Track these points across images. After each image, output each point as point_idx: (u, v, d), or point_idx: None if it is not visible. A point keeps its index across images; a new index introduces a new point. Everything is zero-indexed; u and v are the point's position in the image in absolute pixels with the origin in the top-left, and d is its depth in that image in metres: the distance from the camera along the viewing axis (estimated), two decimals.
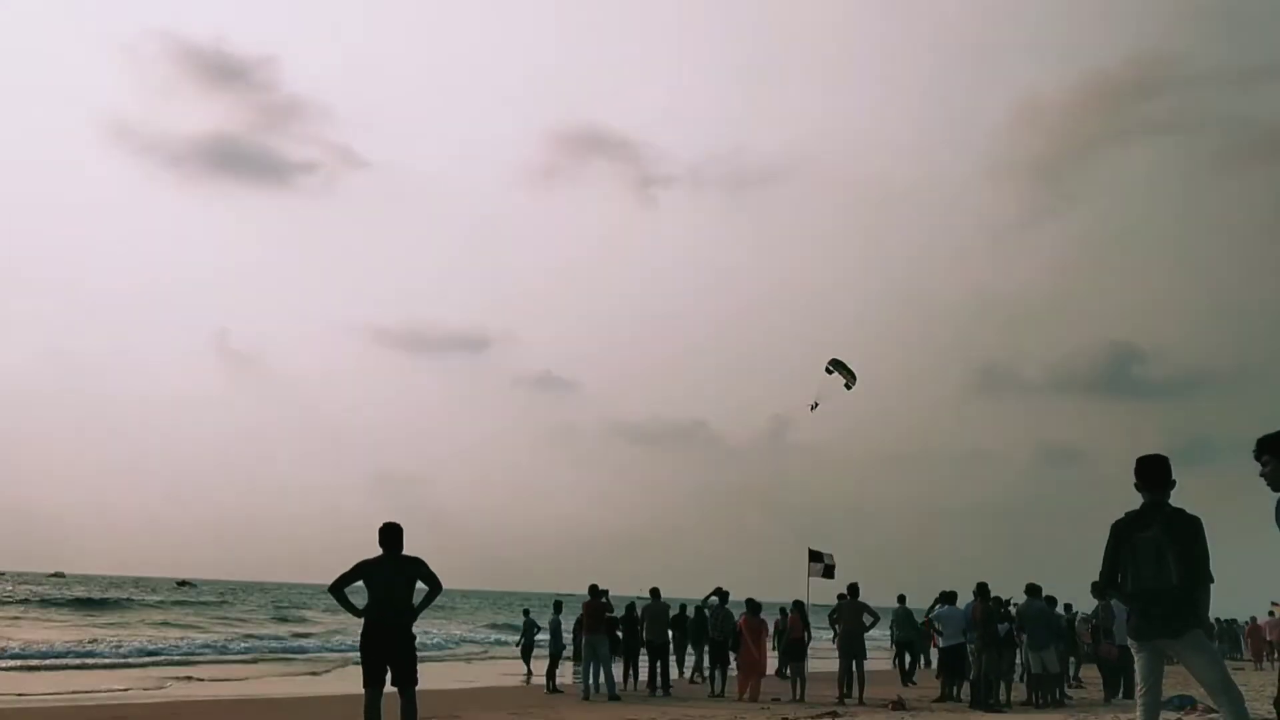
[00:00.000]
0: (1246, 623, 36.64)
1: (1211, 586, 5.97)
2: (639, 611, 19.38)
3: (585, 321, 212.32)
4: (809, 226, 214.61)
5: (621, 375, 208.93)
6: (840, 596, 18.65)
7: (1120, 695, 16.77)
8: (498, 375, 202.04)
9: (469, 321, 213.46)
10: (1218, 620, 37.41)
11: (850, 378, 22.44)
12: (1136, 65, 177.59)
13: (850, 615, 17.45)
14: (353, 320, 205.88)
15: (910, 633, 23.71)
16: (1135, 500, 6.17)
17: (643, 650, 19.34)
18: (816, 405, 23.19)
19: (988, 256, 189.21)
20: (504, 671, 27.35)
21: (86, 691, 19.14)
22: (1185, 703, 12.76)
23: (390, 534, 8.54)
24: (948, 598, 17.39)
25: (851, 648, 17.10)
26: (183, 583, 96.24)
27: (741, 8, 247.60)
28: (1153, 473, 6.12)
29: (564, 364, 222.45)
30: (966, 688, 16.69)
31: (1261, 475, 5.46)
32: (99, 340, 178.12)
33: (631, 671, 19.52)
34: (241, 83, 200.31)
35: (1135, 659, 6.18)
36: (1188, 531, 5.91)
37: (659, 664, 18.75)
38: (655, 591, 19.19)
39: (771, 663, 20.44)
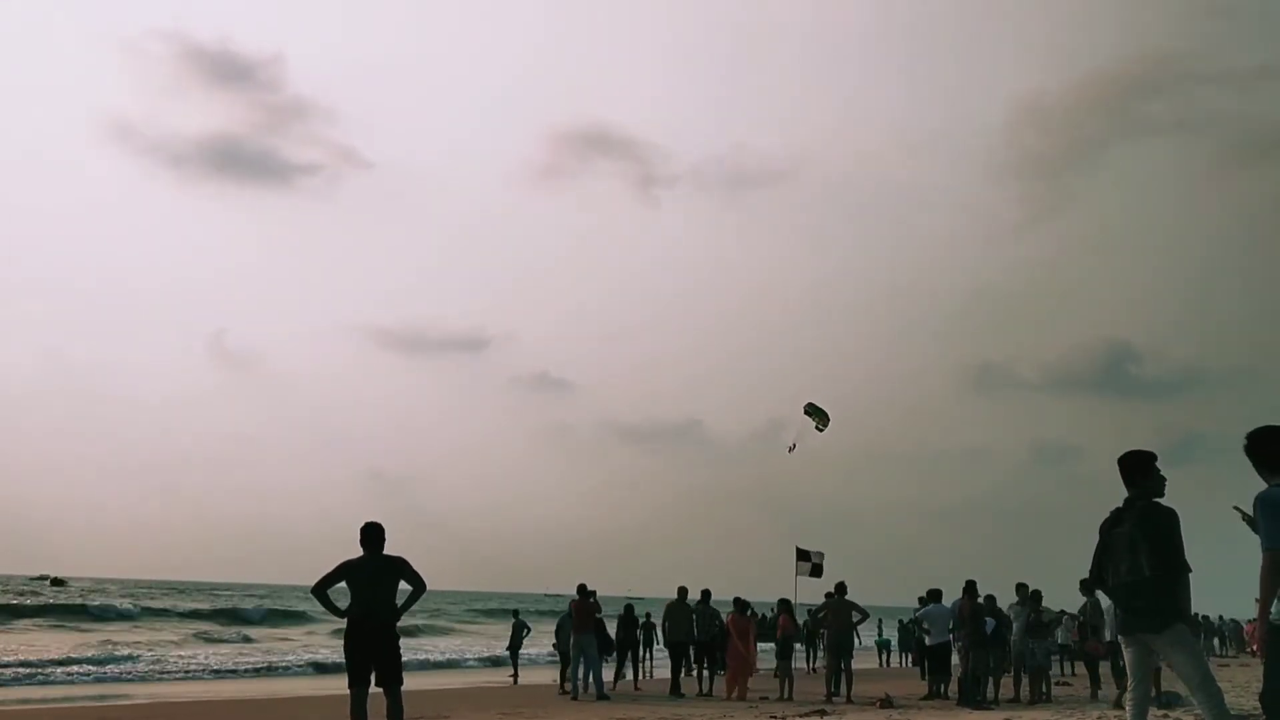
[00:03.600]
0: (1249, 621, 36.76)
1: (1191, 577, 5.95)
2: (634, 611, 19.29)
3: (583, 321, 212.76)
4: (808, 226, 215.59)
5: (618, 376, 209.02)
6: (828, 595, 18.65)
7: (1105, 691, 16.80)
8: (495, 376, 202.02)
9: (468, 322, 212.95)
10: (1205, 617, 37.57)
11: (823, 421, 23.11)
12: (1138, 65, 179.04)
13: (839, 614, 17.44)
14: (351, 321, 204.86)
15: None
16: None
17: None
18: (794, 447, 23.88)
19: (987, 255, 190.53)
20: (493, 671, 27.34)
21: (70, 697, 19.05)
22: (1172, 699, 12.78)
23: (372, 533, 8.48)
24: (934, 596, 17.41)
25: (840, 646, 17.09)
26: (56, 580, 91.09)
27: (744, 8, 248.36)
28: (1128, 468, 6.14)
29: (561, 365, 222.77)
30: (954, 685, 16.69)
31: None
32: (96, 341, 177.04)
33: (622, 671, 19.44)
34: (246, 83, 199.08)
35: (1124, 654, 6.19)
36: (1160, 523, 5.90)
37: (680, 663, 18.29)
38: (683, 590, 18.69)
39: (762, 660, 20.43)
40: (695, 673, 18.91)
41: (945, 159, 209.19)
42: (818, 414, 23.28)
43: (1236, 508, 5.54)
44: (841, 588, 17.83)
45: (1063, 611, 21.93)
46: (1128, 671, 6.16)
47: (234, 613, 53.66)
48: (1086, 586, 15.95)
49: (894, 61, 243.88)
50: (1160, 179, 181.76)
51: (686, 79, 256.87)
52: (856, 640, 17.91)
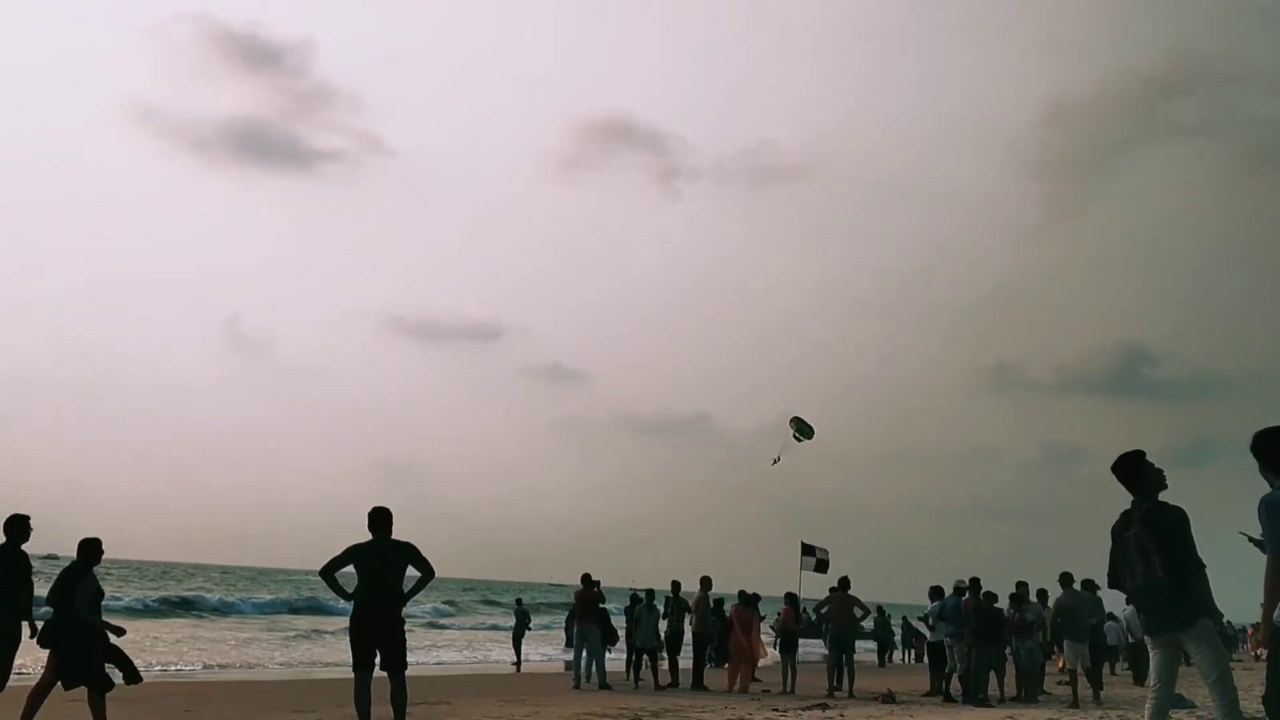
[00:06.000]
0: (1253, 625, 36.63)
1: (1207, 572, 5.91)
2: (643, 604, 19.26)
3: (597, 313, 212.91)
4: (826, 222, 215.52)
5: (630, 368, 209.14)
6: (832, 590, 18.65)
7: (1105, 692, 16.80)
8: (509, 365, 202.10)
9: (483, 311, 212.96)
10: None
11: (807, 435, 23.59)
12: (1164, 66, 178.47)
13: (841, 609, 17.44)
14: (367, 308, 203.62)
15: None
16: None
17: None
18: (779, 460, 24.25)
19: (1007, 254, 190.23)
20: (496, 658, 27.44)
21: None
22: (1176, 701, 12.75)
23: (380, 518, 8.50)
24: (936, 593, 17.41)
25: (842, 641, 17.10)
26: None
27: (771, 4, 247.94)
28: (1124, 474, 6.12)
29: (574, 356, 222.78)
30: (956, 682, 16.67)
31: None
32: (112, 324, 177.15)
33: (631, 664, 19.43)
34: (274, 67, 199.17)
35: (1150, 655, 6.16)
36: (1166, 523, 5.89)
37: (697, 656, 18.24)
38: (706, 581, 18.52)
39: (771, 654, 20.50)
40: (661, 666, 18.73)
41: (969, 157, 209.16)
42: (803, 429, 23.83)
43: (1246, 535, 5.50)
44: (844, 583, 17.83)
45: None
46: (1152, 673, 6.11)
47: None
48: (1091, 588, 15.98)
49: (918, 59, 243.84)
50: (1185, 181, 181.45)
51: (711, 72, 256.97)
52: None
